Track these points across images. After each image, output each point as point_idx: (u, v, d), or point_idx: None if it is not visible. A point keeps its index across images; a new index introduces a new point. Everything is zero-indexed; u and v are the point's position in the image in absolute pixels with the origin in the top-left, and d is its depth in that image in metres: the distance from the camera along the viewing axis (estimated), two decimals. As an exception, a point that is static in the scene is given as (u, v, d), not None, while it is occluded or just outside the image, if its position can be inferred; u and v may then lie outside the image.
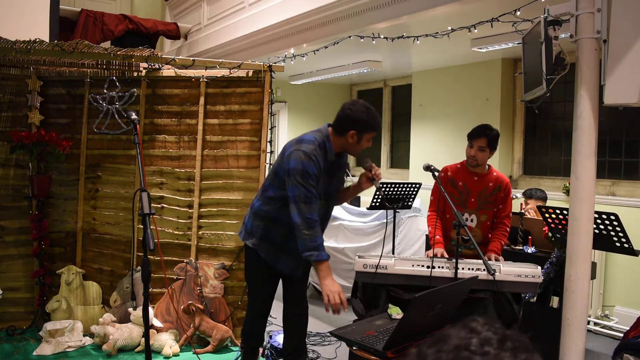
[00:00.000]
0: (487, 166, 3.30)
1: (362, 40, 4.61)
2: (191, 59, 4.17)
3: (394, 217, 4.65)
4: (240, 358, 3.35)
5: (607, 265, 4.70)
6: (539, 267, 2.87)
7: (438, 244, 3.17)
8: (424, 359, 0.69)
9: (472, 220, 3.26)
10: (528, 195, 4.62)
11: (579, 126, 2.68)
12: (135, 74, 4.14)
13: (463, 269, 2.84)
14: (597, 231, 3.15)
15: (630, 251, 3.20)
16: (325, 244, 5.12)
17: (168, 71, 4.14)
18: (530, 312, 3.84)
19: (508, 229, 3.31)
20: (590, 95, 2.64)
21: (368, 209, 4.77)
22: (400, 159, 7.66)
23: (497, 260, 3.03)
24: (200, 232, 4.06)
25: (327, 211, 2.89)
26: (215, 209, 4.06)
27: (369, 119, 2.70)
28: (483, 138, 3.16)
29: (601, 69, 2.58)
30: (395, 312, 2.55)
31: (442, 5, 3.74)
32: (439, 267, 2.87)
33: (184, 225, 4.09)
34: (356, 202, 7.27)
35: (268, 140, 4.04)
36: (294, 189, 2.62)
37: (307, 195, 2.61)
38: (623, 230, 3.14)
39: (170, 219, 4.10)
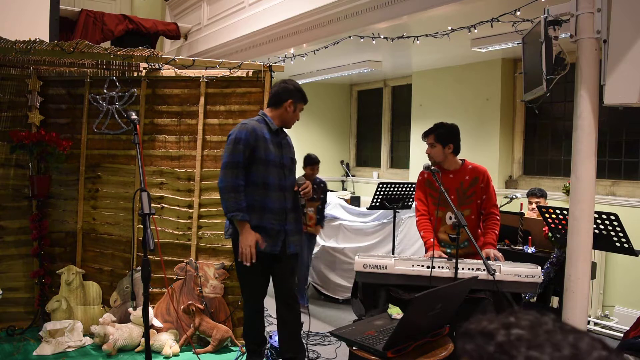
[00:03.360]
0: (459, 161, 3.29)
1: (362, 40, 4.61)
2: (191, 59, 4.17)
3: (394, 217, 4.65)
4: (245, 358, 3.36)
5: (607, 265, 4.70)
6: (539, 267, 2.87)
7: (435, 246, 3.16)
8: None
9: (454, 219, 3.25)
10: (531, 194, 4.65)
11: (579, 126, 2.68)
12: (135, 74, 4.14)
13: (463, 269, 2.84)
14: (597, 231, 3.15)
15: (630, 251, 3.20)
16: (325, 244, 5.15)
17: (168, 71, 4.14)
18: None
19: (498, 217, 3.29)
20: (590, 95, 2.64)
21: (368, 209, 4.77)
22: (400, 159, 7.67)
23: (496, 257, 3.02)
24: (200, 232, 4.06)
25: (285, 179, 3.12)
26: (215, 209, 4.06)
27: (301, 90, 3.16)
28: (430, 135, 3.23)
29: (601, 69, 2.58)
30: (395, 312, 2.55)
31: (442, 5, 3.74)
32: (439, 267, 2.87)
33: (184, 225, 4.09)
34: (356, 202, 7.27)
35: (268, 140, 4.04)
36: (224, 157, 3.00)
37: (234, 161, 2.94)
38: (623, 230, 3.14)
39: (170, 219, 4.11)
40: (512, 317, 0.70)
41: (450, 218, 3.21)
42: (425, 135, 3.27)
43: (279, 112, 3.13)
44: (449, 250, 3.20)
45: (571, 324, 0.70)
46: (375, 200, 4.56)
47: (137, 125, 2.76)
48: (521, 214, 4.17)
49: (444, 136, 3.20)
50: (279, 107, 3.12)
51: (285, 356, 3.20)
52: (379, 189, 4.53)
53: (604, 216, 3.14)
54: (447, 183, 3.23)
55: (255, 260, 2.97)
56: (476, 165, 3.31)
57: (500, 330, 0.68)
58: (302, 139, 7.68)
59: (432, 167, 3.12)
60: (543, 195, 4.62)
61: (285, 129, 3.25)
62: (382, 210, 4.93)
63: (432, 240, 3.18)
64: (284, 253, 3.11)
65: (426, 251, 3.24)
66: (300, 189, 3.15)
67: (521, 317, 0.70)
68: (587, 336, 0.68)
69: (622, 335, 3.67)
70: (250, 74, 4.04)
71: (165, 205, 4.12)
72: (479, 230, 3.27)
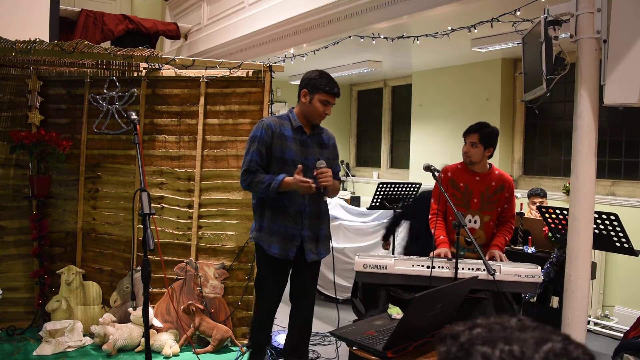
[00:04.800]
0: (488, 165, 3.26)
1: (362, 40, 4.62)
2: (191, 59, 4.17)
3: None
4: (247, 357, 3.35)
5: (607, 265, 4.70)
6: (539, 267, 2.87)
7: (442, 243, 3.15)
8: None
9: (475, 222, 3.22)
10: (534, 194, 4.65)
11: (579, 126, 2.68)
12: (135, 74, 4.14)
13: (463, 269, 2.84)
14: (597, 231, 3.15)
15: (630, 251, 3.20)
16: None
17: (168, 71, 4.14)
18: (530, 312, 3.84)
19: (513, 227, 3.29)
20: (590, 95, 2.64)
21: (368, 209, 4.77)
22: (400, 159, 7.67)
23: (501, 259, 3.02)
24: (200, 232, 4.06)
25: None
26: (215, 209, 4.06)
27: (320, 78, 2.91)
28: (474, 134, 3.15)
29: (601, 69, 2.58)
30: (395, 312, 2.55)
31: (442, 5, 3.74)
32: (439, 267, 2.87)
33: (184, 225, 4.09)
34: (356, 202, 7.27)
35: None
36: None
37: (248, 160, 2.90)
38: (623, 230, 3.14)
39: (170, 219, 4.10)
40: (481, 320, 0.74)
41: (470, 221, 3.20)
42: (468, 133, 3.18)
43: (300, 106, 2.98)
44: (462, 253, 3.18)
45: (536, 323, 0.72)
46: (375, 200, 4.56)
47: (137, 125, 2.76)
48: (521, 214, 4.17)
49: (488, 138, 3.14)
50: (299, 101, 2.98)
51: (289, 357, 3.19)
52: (379, 189, 4.53)
53: (604, 216, 3.14)
54: (472, 185, 3.21)
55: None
56: (503, 172, 3.28)
57: (464, 332, 0.72)
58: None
59: (433, 167, 3.11)
60: (544, 195, 4.63)
61: (324, 128, 3.12)
62: (382, 210, 4.93)
63: (442, 237, 3.17)
64: (301, 260, 2.99)
65: (436, 249, 3.23)
66: (316, 173, 2.85)
67: (489, 318, 0.74)
68: (547, 331, 0.70)
69: (622, 335, 3.67)
70: (250, 74, 4.03)
71: (165, 205, 4.12)
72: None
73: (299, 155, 2.93)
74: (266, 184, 2.82)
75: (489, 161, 3.28)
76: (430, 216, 3.35)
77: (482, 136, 3.13)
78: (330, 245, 3.15)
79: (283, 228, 2.93)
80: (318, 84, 2.90)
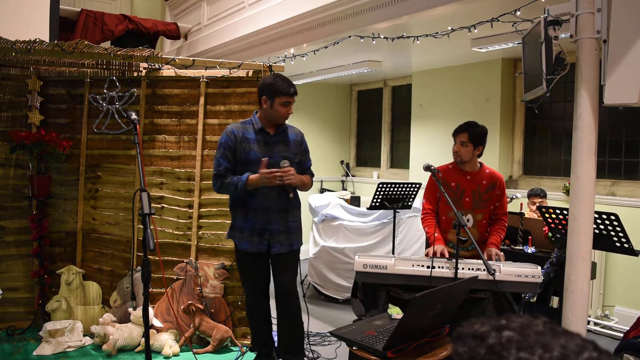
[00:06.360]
0: (478, 164, 3.27)
1: (362, 40, 4.61)
2: (191, 59, 4.17)
3: (394, 217, 4.65)
4: (244, 358, 3.36)
5: (607, 265, 4.70)
6: (539, 267, 2.87)
7: (438, 240, 3.15)
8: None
9: (468, 221, 3.23)
10: (533, 194, 4.66)
11: (579, 126, 2.68)
12: (135, 74, 4.14)
13: (463, 269, 2.84)
14: (597, 231, 3.15)
15: (630, 251, 3.19)
16: (325, 244, 5.14)
17: (168, 71, 4.14)
18: (530, 312, 3.84)
19: (506, 224, 3.30)
20: (590, 95, 2.64)
21: (368, 209, 4.77)
22: (400, 159, 7.66)
23: (498, 257, 3.02)
24: (200, 232, 4.06)
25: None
26: (215, 209, 4.06)
27: (275, 82, 3.03)
28: (464, 133, 3.17)
29: (601, 69, 2.58)
30: (395, 312, 2.56)
31: (442, 5, 3.74)
32: (439, 267, 2.87)
33: (184, 225, 4.09)
34: (356, 202, 7.27)
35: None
36: None
37: (217, 169, 3.07)
38: (623, 230, 3.13)
39: (170, 219, 4.11)
40: (504, 320, 0.72)
41: (468, 220, 3.21)
42: (457, 132, 3.20)
43: (261, 111, 3.13)
44: (455, 251, 3.18)
45: (563, 327, 0.71)
46: (375, 200, 4.56)
47: (137, 125, 2.76)
48: (521, 214, 4.17)
49: (478, 137, 3.16)
50: (260, 107, 3.13)
51: (285, 358, 3.20)
52: (379, 189, 4.52)
53: (604, 216, 3.14)
54: (464, 184, 3.21)
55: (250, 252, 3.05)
56: (493, 170, 3.30)
57: (491, 333, 0.69)
58: (302, 139, 7.65)
59: (432, 167, 3.11)
60: (544, 195, 4.63)
61: (293, 126, 3.25)
62: (382, 210, 4.93)
63: (436, 235, 3.17)
64: (276, 254, 3.11)
65: (429, 247, 3.23)
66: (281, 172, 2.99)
67: (512, 319, 0.72)
68: (578, 338, 0.69)
69: (622, 335, 3.67)
70: (250, 74, 4.04)
71: (165, 205, 4.12)
72: (486, 234, 3.27)
73: (264, 154, 3.06)
74: (234, 185, 3.01)
75: (479, 160, 3.29)
76: (422, 215, 3.35)
77: (471, 135, 3.15)
78: (301, 235, 3.29)
79: (251, 224, 3.07)
80: (275, 89, 3.02)
